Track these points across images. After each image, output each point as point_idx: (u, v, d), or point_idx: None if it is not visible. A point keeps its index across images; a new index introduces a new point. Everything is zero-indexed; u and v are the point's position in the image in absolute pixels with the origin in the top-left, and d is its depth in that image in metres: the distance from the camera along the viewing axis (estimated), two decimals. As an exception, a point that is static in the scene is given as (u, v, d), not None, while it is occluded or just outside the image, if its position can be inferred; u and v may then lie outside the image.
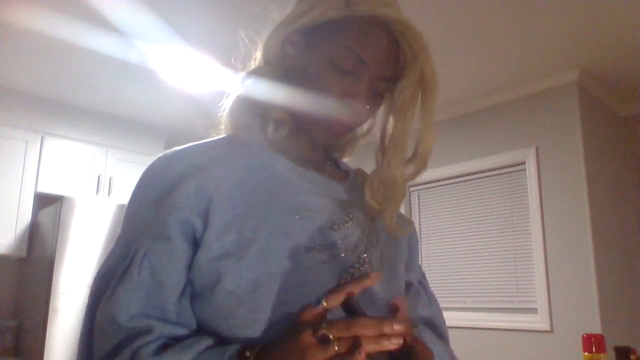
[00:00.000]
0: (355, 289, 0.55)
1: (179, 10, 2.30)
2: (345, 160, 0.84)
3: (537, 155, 2.96)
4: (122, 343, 0.56)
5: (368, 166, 0.78)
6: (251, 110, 0.72)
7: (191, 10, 2.31)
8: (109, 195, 3.40)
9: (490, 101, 3.21)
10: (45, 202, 3.11)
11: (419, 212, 3.56)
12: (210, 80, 2.87)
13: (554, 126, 2.93)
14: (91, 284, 0.63)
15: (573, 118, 2.86)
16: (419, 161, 0.70)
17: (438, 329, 0.79)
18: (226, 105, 0.75)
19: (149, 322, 0.56)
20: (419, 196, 3.58)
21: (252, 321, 0.57)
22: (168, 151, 0.67)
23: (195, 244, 0.60)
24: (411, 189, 3.60)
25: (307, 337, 0.50)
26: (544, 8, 2.28)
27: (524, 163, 3.02)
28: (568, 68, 2.83)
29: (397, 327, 0.51)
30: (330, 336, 0.50)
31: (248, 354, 0.52)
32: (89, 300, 0.62)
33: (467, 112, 3.33)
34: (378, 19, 0.65)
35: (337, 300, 0.54)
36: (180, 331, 0.58)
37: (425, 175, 3.51)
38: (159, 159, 0.67)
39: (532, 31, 2.47)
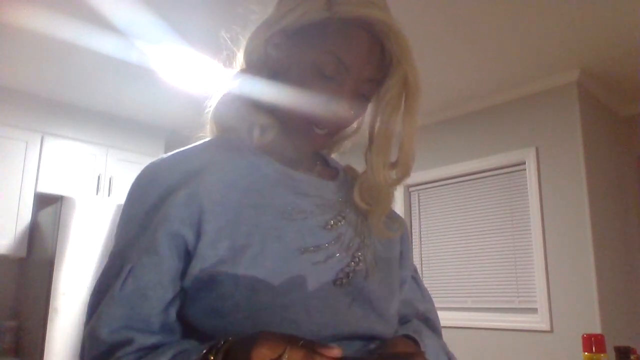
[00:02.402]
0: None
1: (179, 10, 2.30)
2: (333, 156, 0.83)
3: (537, 155, 2.96)
4: (104, 355, 0.56)
5: (358, 164, 0.78)
6: (236, 113, 0.71)
7: (191, 10, 2.31)
8: (109, 195, 3.40)
9: (490, 101, 3.21)
10: (45, 202, 3.11)
11: (419, 212, 3.56)
12: (211, 80, 2.87)
13: (554, 126, 2.93)
14: (88, 300, 0.63)
15: (573, 118, 2.86)
16: (401, 167, 0.69)
17: (432, 323, 0.79)
18: (211, 105, 0.74)
19: (130, 334, 0.56)
20: (418, 196, 3.58)
21: (250, 326, 0.57)
22: (155, 160, 0.66)
23: (187, 255, 0.59)
24: (411, 189, 3.60)
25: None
26: (544, 8, 2.28)
27: (524, 163, 3.02)
28: (568, 68, 2.83)
29: None
30: None
31: (212, 358, 0.50)
32: (86, 317, 0.62)
33: (467, 112, 3.33)
34: (359, 19, 0.63)
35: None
36: (164, 340, 0.57)
37: (425, 175, 3.49)
38: (146, 169, 0.65)
39: (532, 31, 2.47)
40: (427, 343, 0.70)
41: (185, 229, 0.59)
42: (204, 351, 0.51)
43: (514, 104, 3.13)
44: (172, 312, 0.59)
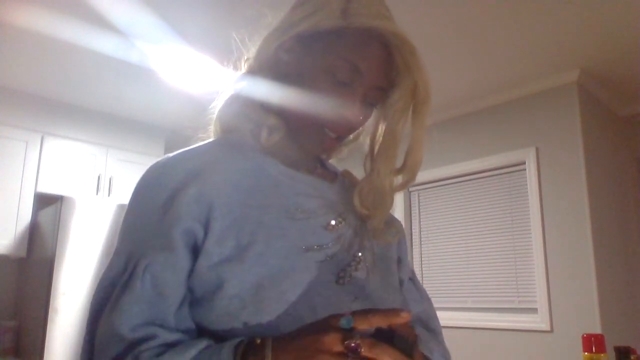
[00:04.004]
0: (383, 323, 0.52)
1: (179, 10, 2.30)
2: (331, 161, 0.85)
3: (537, 155, 2.96)
4: (125, 351, 0.56)
5: (351, 167, 0.79)
6: (242, 114, 0.72)
7: (191, 10, 2.31)
8: (109, 195, 3.40)
9: (490, 101, 3.21)
10: (45, 202, 3.11)
11: (419, 212, 3.56)
12: (210, 80, 2.87)
13: (554, 126, 2.93)
14: (93, 296, 0.63)
15: (573, 118, 2.86)
16: (408, 172, 0.71)
17: (430, 324, 0.81)
18: (217, 106, 0.75)
19: (153, 330, 0.56)
20: (419, 196, 3.58)
21: (255, 323, 0.57)
22: (160, 160, 0.67)
23: (196, 251, 0.60)
24: (411, 189, 3.60)
25: (332, 339, 0.49)
26: (544, 8, 2.28)
27: (524, 163, 3.02)
28: (568, 68, 2.83)
29: None
30: (361, 350, 0.48)
31: (259, 342, 0.52)
32: (91, 314, 0.62)
33: (467, 112, 3.33)
34: (374, 30, 0.65)
35: (364, 325, 0.51)
36: (183, 338, 0.58)
37: (425, 175, 3.49)
38: (151, 168, 0.66)
39: (532, 31, 2.47)
40: (432, 347, 0.72)
41: (196, 225, 0.59)
42: (236, 347, 0.52)
43: (514, 104, 3.13)
44: (186, 311, 0.60)
